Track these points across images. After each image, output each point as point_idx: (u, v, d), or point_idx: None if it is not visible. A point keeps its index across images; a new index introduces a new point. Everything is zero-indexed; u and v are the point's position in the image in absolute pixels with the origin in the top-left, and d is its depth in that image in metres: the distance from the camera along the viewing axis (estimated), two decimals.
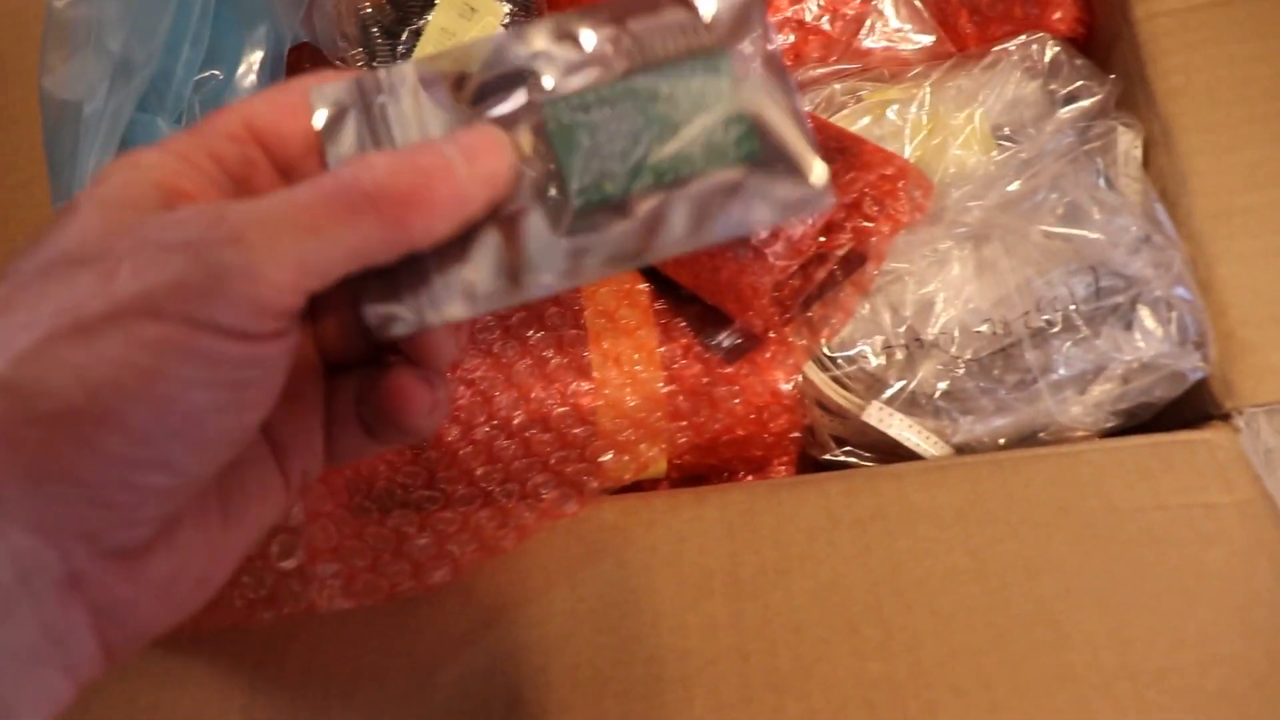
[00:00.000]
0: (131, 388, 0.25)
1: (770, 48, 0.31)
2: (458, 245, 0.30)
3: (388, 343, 0.31)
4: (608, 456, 0.53)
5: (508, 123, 0.31)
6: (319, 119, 0.31)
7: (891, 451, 0.57)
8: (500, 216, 0.30)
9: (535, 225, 0.30)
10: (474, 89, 0.31)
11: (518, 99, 0.31)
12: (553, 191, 0.30)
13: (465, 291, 0.30)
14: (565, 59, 0.31)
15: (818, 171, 0.30)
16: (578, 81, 0.31)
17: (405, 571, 0.49)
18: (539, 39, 0.31)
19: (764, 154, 0.30)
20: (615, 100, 0.31)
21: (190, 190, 0.29)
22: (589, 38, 0.31)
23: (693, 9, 0.31)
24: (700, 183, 0.30)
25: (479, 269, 0.30)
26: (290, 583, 0.47)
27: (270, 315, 0.27)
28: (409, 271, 0.30)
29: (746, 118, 0.30)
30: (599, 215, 0.30)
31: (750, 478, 0.60)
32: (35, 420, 0.25)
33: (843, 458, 0.59)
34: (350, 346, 0.33)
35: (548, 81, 0.31)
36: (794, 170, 0.30)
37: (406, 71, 0.31)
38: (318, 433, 0.33)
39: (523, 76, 0.31)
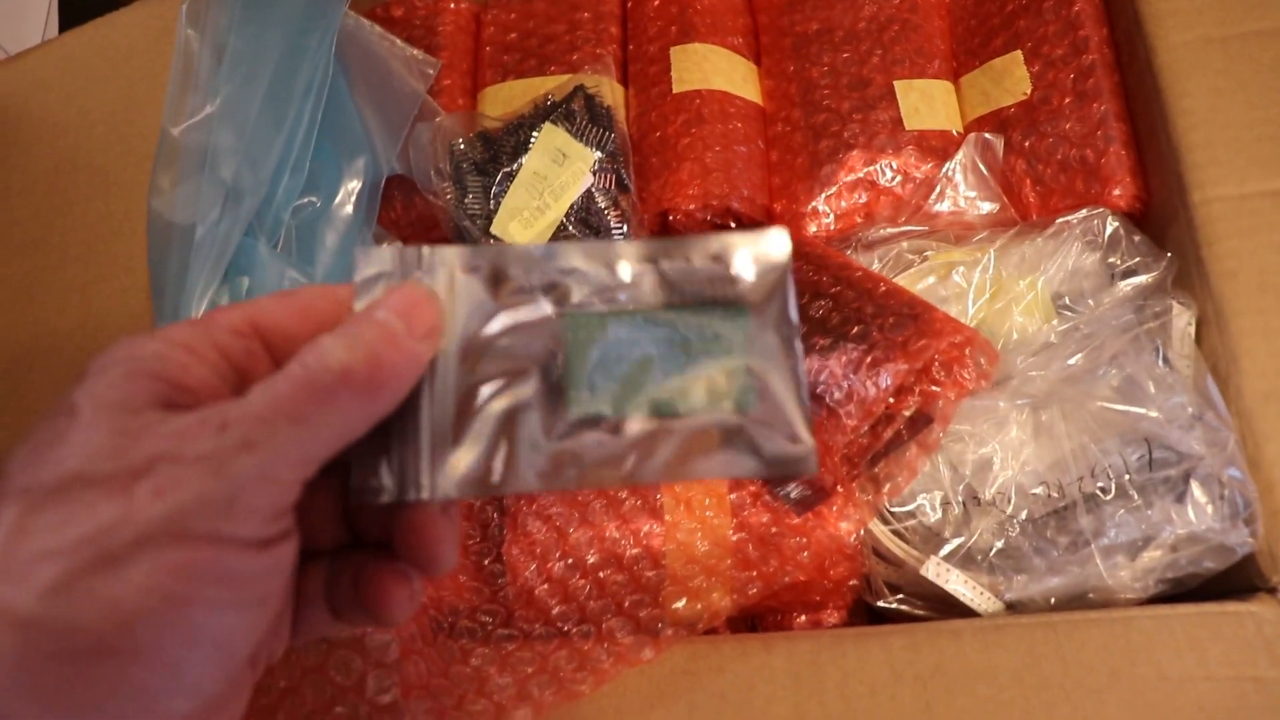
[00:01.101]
0: (165, 617, 0.25)
1: (790, 315, 0.33)
2: (452, 428, 0.31)
3: (370, 527, 0.33)
4: (681, 603, 0.55)
5: (532, 327, 0.32)
6: (359, 276, 0.32)
7: (943, 601, 0.59)
8: (503, 410, 0.31)
9: (530, 425, 0.31)
10: (510, 288, 0.33)
11: (545, 306, 0.33)
12: (554, 397, 0.32)
13: (451, 473, 0.31)
14: (597, 280, 0.33)
15: (805, 440, 0.32)
16: (603, 303, 0.33)
17: (489, 711, 0.50)
18: (577, 258, 0.33)
19: (761, 411, 0.32)
20: (633, 327, 0.32)
21: (191, 384, 0.29)
22: (624, 267, 0.33)
23: (725, 264, 0.33)
24: (694, 422, 0.31)
25: (468, 455, 0.31)
26: (384, 717, 0.49)
27: (283, 515, 0.27)
28: (400, 447, 0.31)
29: (752, 374, 0.32)
30: (591, 430, 0.31)
31: (804, 618, 0.62)
32: (62, 656, 0.24)
33: (896, 605, 0.61)
34: (326, 532, 0.33)
35: (576, 295, 0.33)
36: (785, 432, 0.32)
37: (449, 256, 0.33)
38: (288, 617, 0.32)
39: (555, 286, 0.33)
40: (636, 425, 0.31)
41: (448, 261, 0.33)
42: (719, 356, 0.32)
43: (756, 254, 0.33)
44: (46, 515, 0.25)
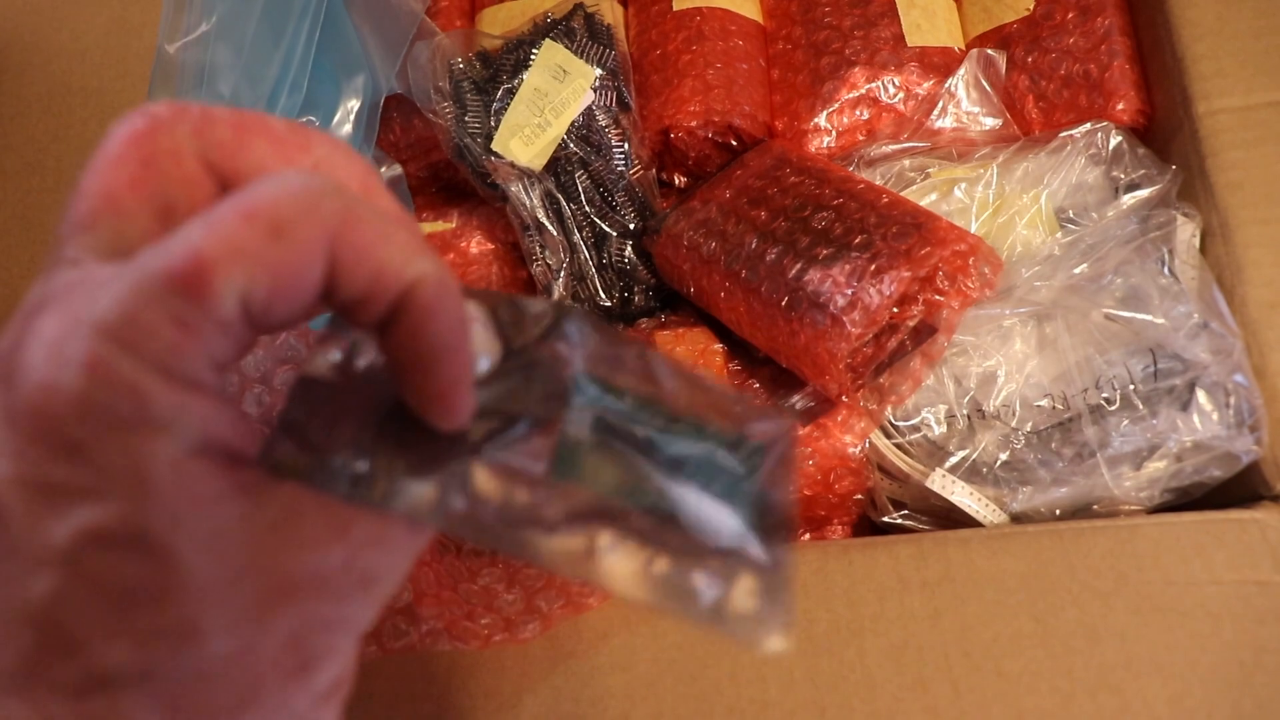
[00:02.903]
0: None
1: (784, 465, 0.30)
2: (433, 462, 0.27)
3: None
4: None
5: (537, 416, 0.28)
6: None
7: (947, 517, 0.59)
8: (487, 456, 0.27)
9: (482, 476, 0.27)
10: (519, 350, 0.29)
11: (554, 391, 0.29)
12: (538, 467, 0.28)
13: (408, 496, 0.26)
14: (609, 384, 0.30)
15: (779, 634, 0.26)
16: (611, 405, 0.29)
17: (498, 624, 0.50)
18: (600, 366, 0.30)
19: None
20: (631, 439, 0.29)
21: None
22: (629, 377, 0.30)
23: (738, 400, 0.31)
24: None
25: (431, 488, 0.26)
26: (398, 620, 0.49)
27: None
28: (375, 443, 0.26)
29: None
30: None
31: (809, 536, 0.62)
32: None
33: (900, 521, 0.61)
34: None
35: (584, 391, 0.29)
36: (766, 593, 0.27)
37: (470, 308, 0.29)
38: None
39: (566, 377, 0.29)
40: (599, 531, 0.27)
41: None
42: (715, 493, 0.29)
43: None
44: None
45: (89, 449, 0.21)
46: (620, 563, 0.26)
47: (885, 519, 0.61)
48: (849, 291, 0.54)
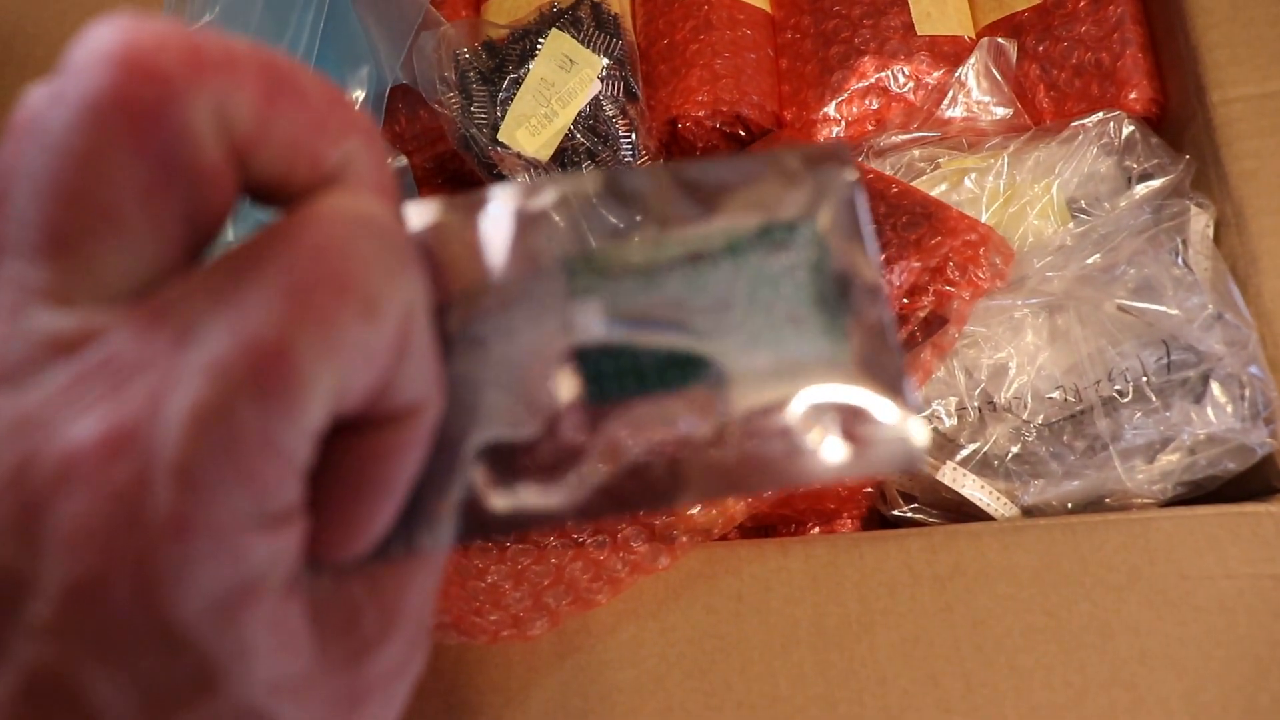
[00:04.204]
0: None
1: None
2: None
3: None
4: (696, 509, 0.55)
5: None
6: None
7: (957, 510, 0.59)
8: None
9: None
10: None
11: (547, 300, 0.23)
12: None
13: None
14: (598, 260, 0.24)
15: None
16: (614, 286, 0.24)
17: (505, 621, 0.50)
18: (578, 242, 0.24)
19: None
20: (658, 308, 0.23)
21: None
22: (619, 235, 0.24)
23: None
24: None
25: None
26: None
27: None
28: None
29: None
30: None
31: (818, 530, 0.61)
32: None
33: (910, 514, 0.60)
34: None
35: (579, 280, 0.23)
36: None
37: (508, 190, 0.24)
38: None
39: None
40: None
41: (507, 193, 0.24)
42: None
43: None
44: None
45: (188, 638, 0.17)
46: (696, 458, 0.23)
47: (895, 512, 0.61)
48: None
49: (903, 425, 0.23)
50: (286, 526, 0.18)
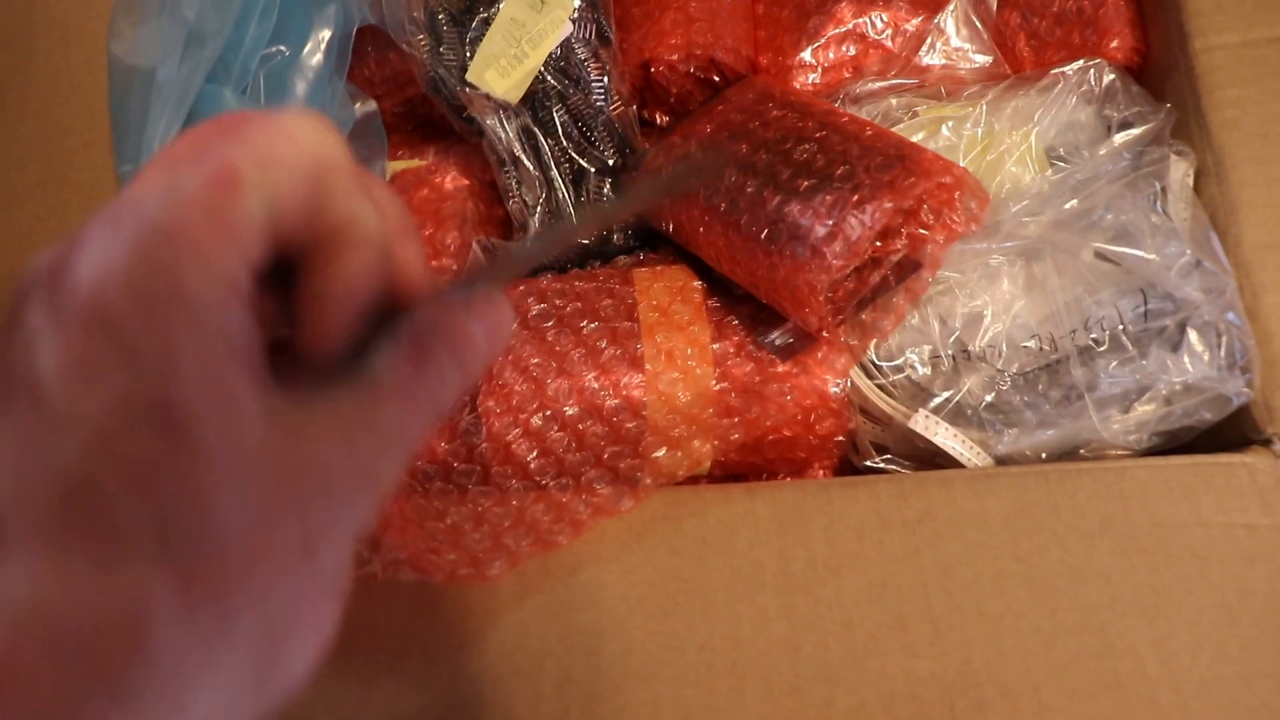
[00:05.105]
0: None
1: None
2: None
3: None
4: (661, 452, 0.54)
5: None
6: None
7: (931, 461, 0.58)
8: None
9: None
10: None
11: None
12: None
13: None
14: None
15: None
16: None
17: (463, 561, 0.49)
18: None
19: None
20: None
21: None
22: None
23: None
24: None
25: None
26: (359, 548, 0.47)
27: None
28: None
29: None
30: None
31: (790, 479, 0.60)
32: None
33: (882, 465, 0.59)
34: None
35: None
36: None
37: None
38: None
39: None
40: None
41: None
42: None
43: None
44: None
45: (125, 325, 0.22)
46: None
47: (868, 463, 0.60)
48: (829, 223, 0.52)
49: None
50: (224, 287, 0.24)
